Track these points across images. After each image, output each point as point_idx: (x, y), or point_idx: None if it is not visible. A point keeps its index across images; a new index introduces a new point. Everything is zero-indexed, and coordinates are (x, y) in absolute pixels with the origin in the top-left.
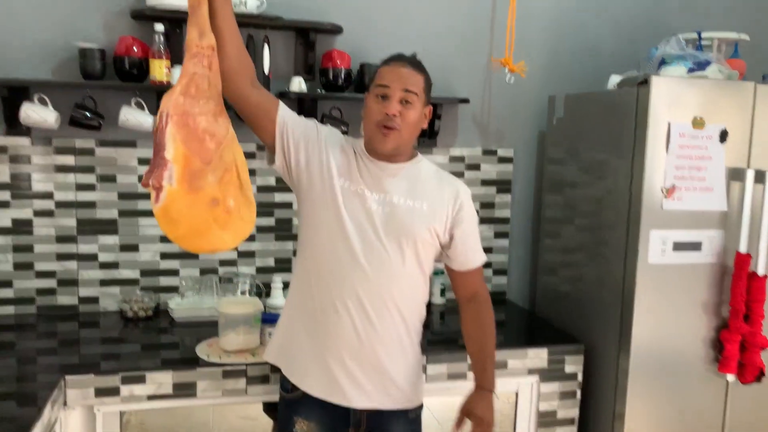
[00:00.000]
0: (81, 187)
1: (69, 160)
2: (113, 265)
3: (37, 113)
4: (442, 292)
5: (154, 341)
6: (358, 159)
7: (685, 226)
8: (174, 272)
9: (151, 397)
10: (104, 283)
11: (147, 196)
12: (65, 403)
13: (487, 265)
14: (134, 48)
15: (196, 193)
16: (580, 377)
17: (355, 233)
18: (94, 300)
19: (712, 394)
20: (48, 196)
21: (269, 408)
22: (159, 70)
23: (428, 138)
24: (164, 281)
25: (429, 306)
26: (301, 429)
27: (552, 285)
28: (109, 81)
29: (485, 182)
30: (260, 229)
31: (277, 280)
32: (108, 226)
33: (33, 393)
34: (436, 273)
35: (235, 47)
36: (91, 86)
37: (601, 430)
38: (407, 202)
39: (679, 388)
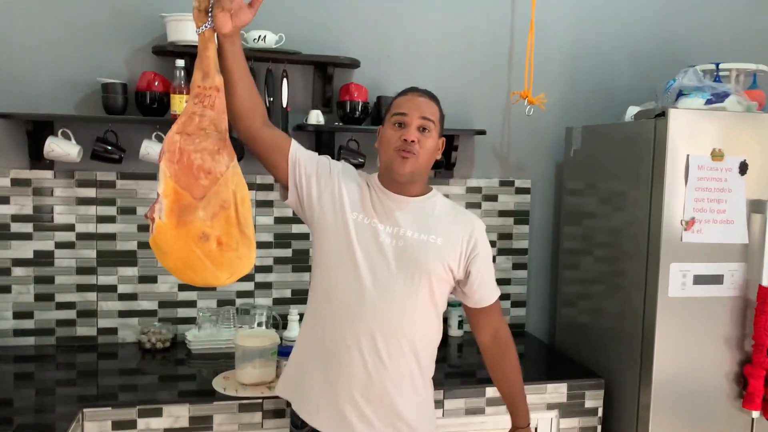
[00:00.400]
0: (102, 219)
1: (90, 192)
2: (132, 297)
3: (61, 147)
4: (460, 324)
5: (171, 373)
6: (371, 191)
7: (706, 259)
8: (191, 303)
9: (167, 431)
10: (123, 314)
11: None
12: None
13: (506, 296)
14: (156, 83)
15: (185, 227)
16: (600, 412)
17: (367, 267)
18: (113, 331)
19: (736, 431)
20: (69, 228)
21: None
22: (180, 104)
23: (445, 169)
24: (182, 312)
25: (446, 338)
26: None
27: (571, 317)
28: (130, 115)
29: (503, 213)
30: (277, 261)
31: (293, 312)
32: (127, 258)
33: (51, 424)
34: (454, 305)
35: (246, 88)
36: (113, 120)
37: None
38: (420, 236)
39: (701, 425)
